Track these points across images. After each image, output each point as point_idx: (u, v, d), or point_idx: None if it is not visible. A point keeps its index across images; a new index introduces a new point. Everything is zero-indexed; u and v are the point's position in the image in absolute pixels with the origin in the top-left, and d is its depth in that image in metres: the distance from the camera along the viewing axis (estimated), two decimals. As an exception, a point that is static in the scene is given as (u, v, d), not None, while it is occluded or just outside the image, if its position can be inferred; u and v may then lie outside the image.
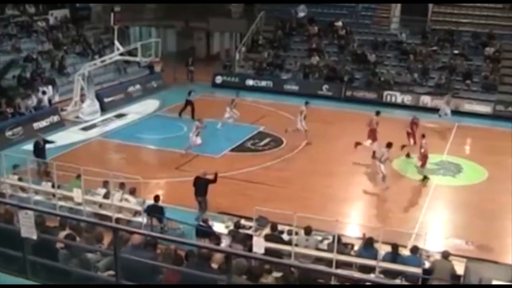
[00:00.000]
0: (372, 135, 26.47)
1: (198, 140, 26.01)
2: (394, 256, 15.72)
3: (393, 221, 19.84)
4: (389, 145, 23.53)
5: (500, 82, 36.15)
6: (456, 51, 38.09)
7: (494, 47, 37.68)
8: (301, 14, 41.68)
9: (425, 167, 24.61)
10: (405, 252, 16.37)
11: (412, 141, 26.97)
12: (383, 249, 15.93)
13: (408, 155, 26.27)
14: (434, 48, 38.63)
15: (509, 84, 36.09)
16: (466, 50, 38.17)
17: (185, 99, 31.83)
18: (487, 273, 15.61)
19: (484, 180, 24.73)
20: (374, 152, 25.62)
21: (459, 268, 15.72)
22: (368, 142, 26.35)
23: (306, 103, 28.61)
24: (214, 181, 19.74)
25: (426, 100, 35.25)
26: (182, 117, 31.36)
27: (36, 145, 23.36)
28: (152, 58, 33.13)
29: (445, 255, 15.82)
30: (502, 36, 38.49)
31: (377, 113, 27.24)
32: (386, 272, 15.55)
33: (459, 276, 15.65)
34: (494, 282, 15.09)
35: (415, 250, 15.99)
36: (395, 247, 15.85)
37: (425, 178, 24.30)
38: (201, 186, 19.82)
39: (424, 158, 24.56)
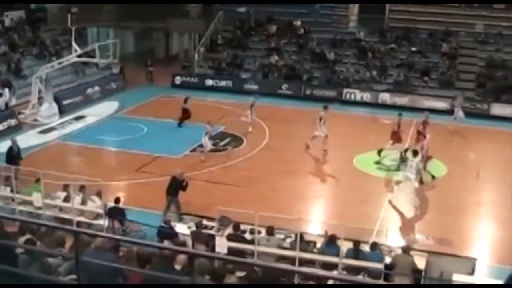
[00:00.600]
0: (395, 136, 26.43)
1: (209, 144, 25.89)
2: (356, 252, 15.84)
3: (354, 218, 19.93)
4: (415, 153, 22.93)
5: (457, 78, 36.73)
6: (413, 49, 38.62)
7: (451, 44, 38.27)
8: (241, 9, 41.88)
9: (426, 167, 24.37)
10: (367, 248, 16.50)
11: (423, 141, 26.46)
12: (345, 246, 16.04)
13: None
14: (392, 45, 39.07)
15: (466, 80, 36.69)
16: (424, 47, 38.72)
17: (181, 108, 30.88)
18: (448, 266, 15.83)
19: (444, 176, 25.05)
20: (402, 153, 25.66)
21: (421, 262, 15.91)
22: (389, 143, 26.31)
23: (325, 107, 27.73)
24: (184, 189, 19.74)
25: (385, 97, 35.66)
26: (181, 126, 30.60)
27: (10, 151, 22.80)
28: (110, 60, 32.81)
29: (406, 250, 16.00)
30: (458, 33, 39.12)
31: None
32: (349, 269, 15.66)
33: (420, 270, 15.83)
34: (455, 275, 15.33)
35: (374, 246, 16.16)
36: (356, 243, 15.97)
37: (433, 177, 24.28)
38: (174, 186, 19.77)
39: (426, 158, 24.46)
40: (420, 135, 26.76)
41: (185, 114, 30.53)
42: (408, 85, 36.04)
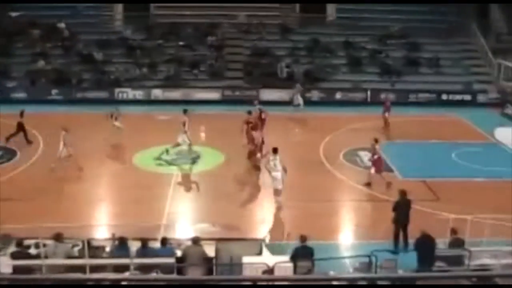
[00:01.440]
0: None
1: None
2: (145, 250, 15.77)
3: (141, 216, 19.87)
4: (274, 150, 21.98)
5: (226, 68, 37.91)
6: (181, 43, 39.14)
7: (216, 36, 39.35)
8: (15, 14, 39.93)
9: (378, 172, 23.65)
10: (157, 244, 16.49)
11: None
12: (136, 246, 15.92)
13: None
14: (160, 41, 39.28)
15: (234, 70, 38.01)
16: (191, 41, 39.40)
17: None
18: (236, 250, 16.32)
19: (222, 163, 25.77)
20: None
21: (211, 250, 16.23)
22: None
23: (185, 111, 26.84)
24: None
25: (158, 93, 35.81)
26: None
27: None
28: None
29: (195, 240, 16.22)
30: (223, 24, 40.32)
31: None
32: (142, 268, 15.55)
33: (211, 259, 16.16)
34: (245, 258, 15.83)
35: (164, 241, 16.21)
36: (144, 241, 15.89)
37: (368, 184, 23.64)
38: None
39: (376, 162, 23.60)
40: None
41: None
42: (179, 79, 36.52)
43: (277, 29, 40.67)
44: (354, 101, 34.98)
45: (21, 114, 28.03)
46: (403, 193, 19.18)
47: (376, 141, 23.79)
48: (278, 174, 21.30)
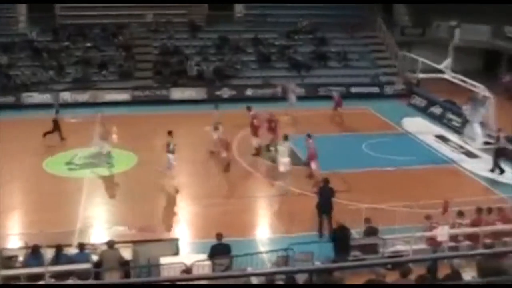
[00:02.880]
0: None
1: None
2: (59, 256, 15.45)
3: (54, 223, 19.39)
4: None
5: (135, 68, 37.46)
6: (88, 44, 38.36)
7: (125, 36, 38.82)
8: None
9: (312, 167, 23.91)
10: (73, 250, 16.19)
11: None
12: (50, 253, 15.57)
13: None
14: (67, 43, 38.38)
15: (144, 69, 37.62)
16: (99, 42, 38.69)
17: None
18: (153, 251, 16.25)
19: (135, 165, 25.51)
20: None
21: (127, 253, 16.07)
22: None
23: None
24: None
25: (66, 96, 34.95)
26: None
27: None
28: None
29: (110, 244, 16.01)
30: (130, 24, 39.81)
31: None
32: (57, 275, 15.23)
33: (128, 262, 16.00)
34: (162, 259, 15.76)
35: (81, 246, 15.94)
36: (58, 247, 15.57)
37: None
38: None
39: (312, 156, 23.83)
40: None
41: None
42: (88, 81, 35.85)
43: (186, 28, 40.50)
44: (265, 97, 35.25)
45: (57, 111, 28.73)
46: (326, 181, 19.91)
47: (309, 136, 24.32)
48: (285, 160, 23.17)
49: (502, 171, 24.89)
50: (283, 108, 31.38)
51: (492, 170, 25.06)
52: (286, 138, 24.30)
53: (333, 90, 34.17)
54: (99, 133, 26.26)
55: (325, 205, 19.33)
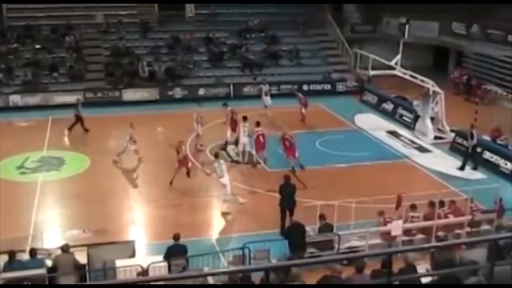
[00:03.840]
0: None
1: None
2: (12, 263, 15.18)
3: (6, 229, 19.00)
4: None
5: (86, 70, 37.03)
6: (38, 46, 37.76)
7: (74, 37, 38.35)
8: None
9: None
10: (26, 256, 15.91)
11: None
12: (3, 260, 15.29)
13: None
14: (15, 45, 37.71)
15: (95, 71, 37.22)
16: (48, 43, 38.12)
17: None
18: (109, 254, 16.07)
19: (88, 167, 25.23)
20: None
21: (82, 257, 15.88)
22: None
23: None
24: None
25: (16, 99, 34.31)
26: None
27: None
28: None
29: (65, 248, 15.81)
30: (80, 25, 39.36)
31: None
32: (11, 282, 14.96)
33: (83, 265, 15.81)
34: (118, 261, 15.61)
35: (33, 252, 15.68)
36: (11, 253, 15.28)
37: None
38: None
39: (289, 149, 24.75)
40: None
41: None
42: (38, 83, 35.29)
43: (137, 28, 40.21)
44: (218, 96, 35.21)
45: (77, 106, 29.53)
46: (287, 178, 20.14)
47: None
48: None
49: (475, 167, 25.39)
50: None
51: (461, 168, 25.35)
52: (245, 119, 25.99)
53: (297, 91, 34.47)
54: None
55: (288, 202, 19.42)
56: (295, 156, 24.63)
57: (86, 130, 29.29)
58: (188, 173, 23.27)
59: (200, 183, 23.33)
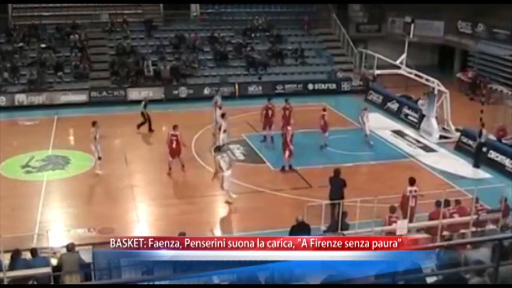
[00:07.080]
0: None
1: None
2: (17, 262, 15.21)
3: (11, 228, 19.02)
4: None
5: (91, 69, 37.09)
6: (43, 45, 37.83)
7: (79, 36, 38.40)
8: None
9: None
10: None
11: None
12: (7, 259, 15.31)
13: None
14: (21, 44, 37.79)
15: (100, 70, 37.27)
16: (53, 43, 38.20)
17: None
18: (114, 253, 16.03)
19: (93, 166, 25.21)
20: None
21: (87, 256, 15.90)
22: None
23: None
24: None
25: (22, 98, 34.41)
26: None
27: None
28: None
29: (70, 247, 15.83)
30: (85, 24, 39.42)
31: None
32: (16, 281, 15.00)
33: (88, 264, 15.83)
34: (123, 260, 15.59)
35: (33, 252, 15.68)
36: (16, 253, 15.31)
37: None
38: None
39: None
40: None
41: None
42: (43, 82, 35.36)
43: (142, 27, 40.27)
44: (223, 96, 35.12)
45: (145, 105, 29.84)
46: (336, 171, 20.47)
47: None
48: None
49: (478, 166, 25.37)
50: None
51: (477, 166, 25.42)
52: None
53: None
54: None
55: (335, 194, 19.63)
56: (286, 154, 24.58)
57: (151, 130, 29.38)
58: (182, 166, 23.60)
59: (207, 182, 23.31)
